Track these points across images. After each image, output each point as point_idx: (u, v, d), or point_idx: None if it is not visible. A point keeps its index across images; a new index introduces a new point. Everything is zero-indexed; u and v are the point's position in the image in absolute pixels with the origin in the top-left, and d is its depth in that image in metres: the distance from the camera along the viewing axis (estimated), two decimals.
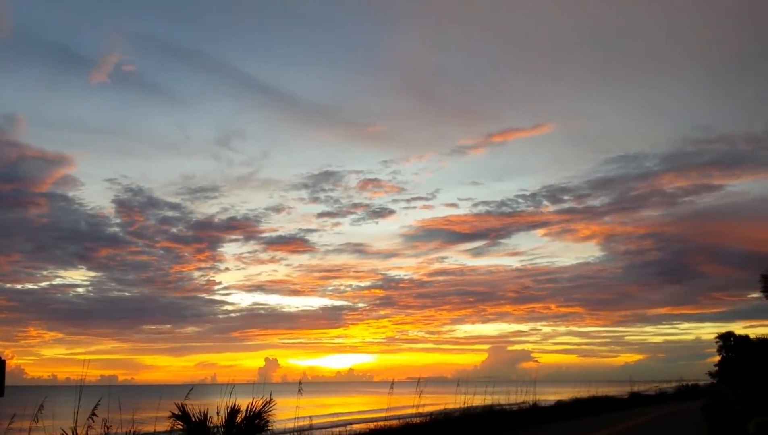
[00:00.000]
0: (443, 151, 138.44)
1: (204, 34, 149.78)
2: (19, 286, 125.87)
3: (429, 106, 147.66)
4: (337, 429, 22.08)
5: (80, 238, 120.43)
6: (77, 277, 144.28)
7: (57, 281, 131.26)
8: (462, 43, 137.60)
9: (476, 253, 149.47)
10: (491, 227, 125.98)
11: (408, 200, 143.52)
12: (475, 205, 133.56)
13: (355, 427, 22.01)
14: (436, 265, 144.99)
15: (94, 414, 10.55)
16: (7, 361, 10.09)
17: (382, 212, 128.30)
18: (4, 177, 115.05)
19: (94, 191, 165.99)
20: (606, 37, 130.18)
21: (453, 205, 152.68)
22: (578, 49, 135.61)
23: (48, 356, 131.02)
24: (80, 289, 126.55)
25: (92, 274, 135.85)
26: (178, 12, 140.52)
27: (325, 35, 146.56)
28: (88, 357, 11.40)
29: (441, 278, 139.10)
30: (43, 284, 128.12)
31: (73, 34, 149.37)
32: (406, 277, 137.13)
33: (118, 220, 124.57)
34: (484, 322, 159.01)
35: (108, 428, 10.63)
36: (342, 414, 46.08)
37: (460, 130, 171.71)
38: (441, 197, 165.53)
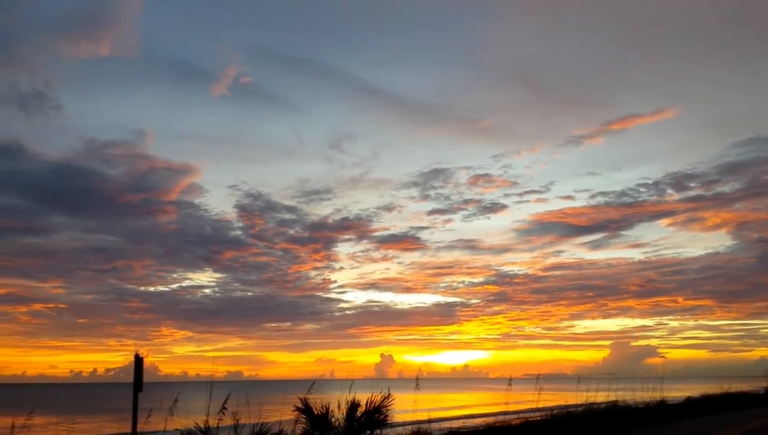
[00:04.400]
0: (556, 142, 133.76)
1: (314, 41, 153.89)
2: (152, 289, 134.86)
3: (539, 96, 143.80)
4: (455, 424, 22.02)
5: (206, 242, 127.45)
6: (204, 279, 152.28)
7: (186, 283, 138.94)
8: (572, 29, 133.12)
9: (595, 245, 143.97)
10: (611, 219, 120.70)
11: (520, 194, 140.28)
12: (593, 196, 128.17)
13: (473, 422, 21.85)
14: (552, 260, 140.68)
15: (224, 407, 11.09)
16: (144, 359, 10.84)
17: (493, 207, 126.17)
18: (135, 188, 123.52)
19: (218, 197, 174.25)
20: (732, 10, 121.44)
21: (569, 197, 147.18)
22: (701, 25, 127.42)
23: (179, 354, 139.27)
24: (207, 290, 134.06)
25: (218, 275, 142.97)
26: (289, 23, 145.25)
27: (430, 33, 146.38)
28: (215, 354, 12.00)
29: (557, 273, 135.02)
30: (174, 286, 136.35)
31: (194, 51, 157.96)
32: (520, 273, 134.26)
33: (240, 224, 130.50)
34: (605, 317, 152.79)
35: (238, 421, 11.14)
36: (459, 410, 45.92)
37: (574, 120, 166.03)
38: (555, 190, 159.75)
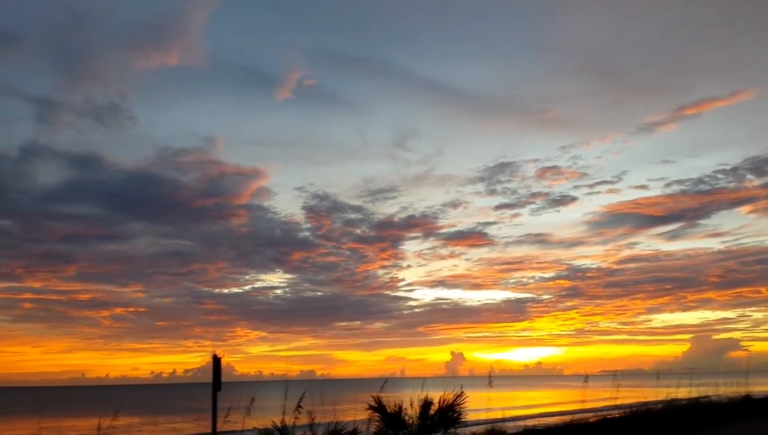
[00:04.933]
0: (628, 130, 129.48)
1: (375, 40, 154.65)
2: (226, 291, 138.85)
3: (608, 84, 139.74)
4: (530, 422, 21.68)
5: (276, 243, 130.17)
6: (275, 280, 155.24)
7: (258, 284, 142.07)
8: (642, 12, 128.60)
9: (671, 236, 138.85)
10: (687, 207, 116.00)
11: (591, 185, 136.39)
12: (668, 184, 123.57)
13: (549, 420, 21.46)
14: (626, 252, 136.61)
15: (299, 406, 11.26)
16: (221, 359, 11.13)
17: (563, 200, 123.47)
18: (207, 193, 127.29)
19: (286, 200, 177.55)
20: None
21: (642, 186, 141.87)
22: None
23: (254, 354, 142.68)
24: (278, 291, 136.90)
25: (288, 276, 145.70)
26: (350, 23, 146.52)
27: (491, 26, 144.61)
28: (288, 353, 12.21)
29: (632, 265, 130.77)
30: (246, 288, 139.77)
31: (259, 57, 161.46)
32: (593, 266, 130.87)
33: (308, 225, 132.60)
34: (683, 310, 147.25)
35: (313, 419, 11.28)
36: (534, 407, 45.24)
37: (645, 107, 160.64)
38: (628, 179, 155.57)
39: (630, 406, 20.55)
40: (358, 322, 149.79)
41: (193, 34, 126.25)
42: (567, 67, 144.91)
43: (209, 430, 11.11)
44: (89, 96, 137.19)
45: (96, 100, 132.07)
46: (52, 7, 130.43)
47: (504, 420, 17.64)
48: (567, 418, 20.50)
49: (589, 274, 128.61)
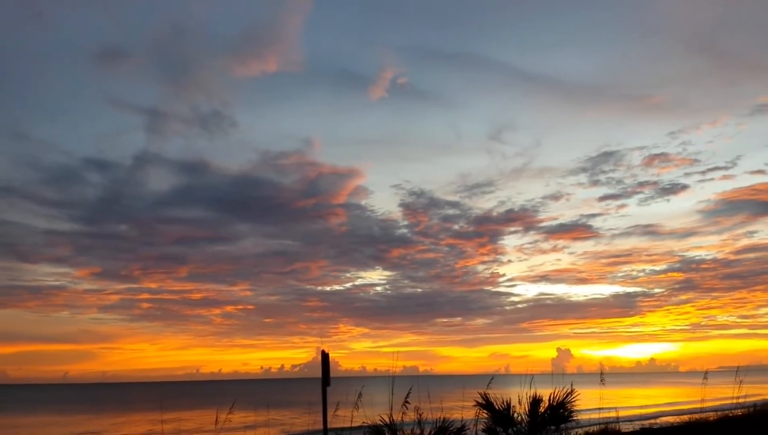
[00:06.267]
0: (741, 112, 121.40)
1: (467, 34, 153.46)
2: (328, 288, 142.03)
3: (718, 64, 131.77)
4: (646, 421, 20.77)
5: (374, 241, 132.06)
6: (375, 277, 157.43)
7: (359, 282, 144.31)
8: None
9: None
10: None
11: (703, 172, 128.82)
12: None
13: (666, 419, 20.47)
14: (744, 241, 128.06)
15: (407, 402, 11.29)
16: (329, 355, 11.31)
17: (673, 188, 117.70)
18: (307, 193, 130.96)
19: (383, 198, 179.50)
20: None
21: (759, 171, 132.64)
22: None
23: (357, 350, 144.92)
24: (379, 288, 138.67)
25: (387, 273, 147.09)
26: (440, 18, 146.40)
27: (587, 10, 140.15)
28: (391, 349, 12.24)
29: (751, 256, 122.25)
30: (347, 285, 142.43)
31: (352, 58, 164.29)
32: (708, 257, 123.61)
33: (406, 222, 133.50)
34: None
35: (420, 415, 11.28)
36: (648, 406, 43.31)
37: (760, 86, 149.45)
38: (743, 164, 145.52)
39: (754, 404, 19.29)
40: (459, 319, 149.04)
41: (289, 39, 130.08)
42: (671, 48, 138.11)
43: (319, 422, 11.31)
44: (194, 105, 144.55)
45: (200, 109, 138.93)
46: (155, 21, 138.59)
47: (618, 420, 16.97)
48: (685, 417, 19.52)
49: (703, 266, 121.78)
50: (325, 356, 11.01)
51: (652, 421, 20.66)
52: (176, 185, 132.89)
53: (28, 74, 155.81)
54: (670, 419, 20.09)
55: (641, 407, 41.01)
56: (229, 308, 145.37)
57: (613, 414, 16.88)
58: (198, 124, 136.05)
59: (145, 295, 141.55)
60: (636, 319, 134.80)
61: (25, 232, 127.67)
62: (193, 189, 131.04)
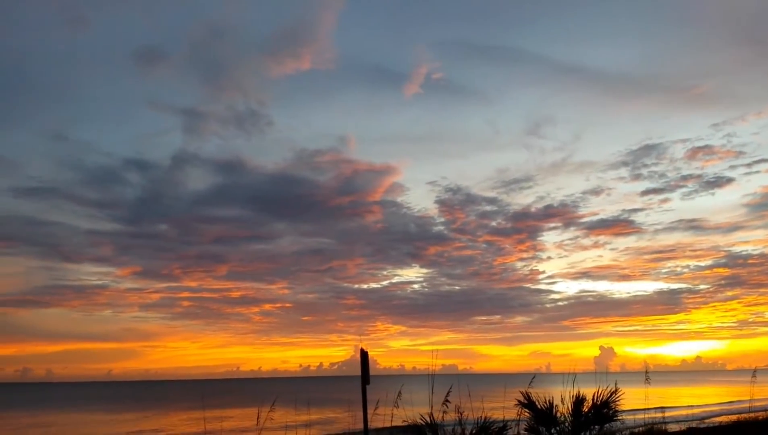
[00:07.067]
0: None
1: (503, 27, 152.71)
2: (365, 286, 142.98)
3: (763, 52, 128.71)
4: (693, 422, 20.25)
5: (411, 238, 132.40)
6: (412, 275, 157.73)
7: (395, 279, 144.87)
8: None
9: None
10: None
11: (749, 165, 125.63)
12: None
13: (714, 419, 19.93)
14: None
15: (447, 401, 11.18)
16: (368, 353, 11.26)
17: (717, 182, 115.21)
18: (343, 191, 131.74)
19: (419, 194, 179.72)
20: None
21: None
22: None
23: (395, 348, 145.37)
24: (416, 286, 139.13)
25: (424, 271, 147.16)
26: (475, 12, 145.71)
27: (627, 0, 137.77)
28: (429, 347, 12.16)
29: None
30: (384, 283, 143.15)
31: (386, 54, 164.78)
32: (755, 252, 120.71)
33: (442, 219, 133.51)
34: None
35: (461, 414, 11.16)
36: (695, 407, 42.25)
37: None
38: None
39: None
40: (498, 316, 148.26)
41: (323, 37, 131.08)
42: (715, 37, 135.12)
43: (360, 419, 11.28)
44: (231, 105, 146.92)
45: (237, 108, 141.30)
46: (192, 23, 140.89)
47: (664, 421, 16.57)
48: (734, 417, 18.98)
49: (750, 261, 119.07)
50: (364, 354, 10.96)
51: (700, 421, 20.12)
52: (214, 184, 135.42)
53: (69, 78, 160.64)
54: (719, 419, 19.53)
55: (688, 407, 40.05)
56: (267, 306, 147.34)
57: (659, 414, 16.49)
58: (235, 124, 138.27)
59: (186, 294, 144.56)
60: (681, 316, 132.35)
61: (68, 232, 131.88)
62: (231, 188, 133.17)
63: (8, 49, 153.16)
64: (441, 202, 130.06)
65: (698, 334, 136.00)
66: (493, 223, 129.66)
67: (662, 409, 17.35)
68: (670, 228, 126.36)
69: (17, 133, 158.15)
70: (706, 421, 19.98)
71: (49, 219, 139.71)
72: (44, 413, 62.72)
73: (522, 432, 12.12)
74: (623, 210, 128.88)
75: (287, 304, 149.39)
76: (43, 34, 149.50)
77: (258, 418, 12.98)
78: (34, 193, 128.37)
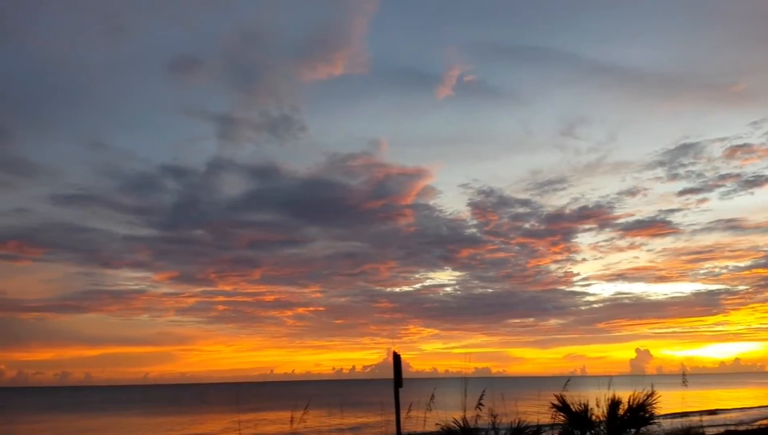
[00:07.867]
0: None
1: (535, 28, 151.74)
2: (397, 289, 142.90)
3: None
4: (732, 426, 19.83)
5: (443, 241, 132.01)
6: (444, 278, 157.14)
7: (428, 282, 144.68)
8: None
9: None
10: None
11: None
12: None
13: (755, 424, 19.49)
14: None
15: (480, 404, 11.16)
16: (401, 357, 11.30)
17: (757, 181, 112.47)
18: (375, 195, 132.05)
19: (451, 197, 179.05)
20: None
21: None
22: None
23: (427, 351, 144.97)
24: (448, 289, 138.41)
25: (457, 273, 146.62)
26: (506, 13, 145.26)
27: None
28: (462, 351, 12.16)
29: None
30: (417, 286, 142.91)
31: (418, 58, 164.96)
32: None
33: (474, 222, 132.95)
34: None
35: (495, 417, 11.13)
36: (732, 410, 41.37)
37: None
38: None
39: None
40: (531, 319, 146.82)
41: (355, 42, 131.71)
42: (755, 34, 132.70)
43: (393, 425, 11.31)
44: (264, 110, 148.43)
45: (271, 114, 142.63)
46: (225, 30, 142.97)
47: (702, 425, 16.26)
48: None
49: None
50: (396, 358, 11.00)
51: (738, 424, 19.69)
52: (248, 190, 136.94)
53: (107, 86, 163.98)
54: (760, 423, 19.09)
55: (726, 413, 39.21)
56: (300, 310, 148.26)
57: (697, 417, 16.21)
58: (268, 129, 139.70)
59: (221, 298, 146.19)
60: (719, 317, 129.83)
61: (106, 238, 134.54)
62: (265, 193, 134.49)
63: (47, 58, 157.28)
64: (473, 205, 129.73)
65: (737, 336, 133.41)
66: (527, 225, 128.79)
67: (700, 413, 17.03)
68: (708, 228, 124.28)
69: (56, 141, 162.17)
70: (744, 424, 19.55)
71: (87, 225, 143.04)
72: (84, 417, 63.98)
73: None
74: (660, 210, 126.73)
75: (320, 308, 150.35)
76: (82, 44, 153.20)
77: (291, 420, 13.11)
78: (73, 200, 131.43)
